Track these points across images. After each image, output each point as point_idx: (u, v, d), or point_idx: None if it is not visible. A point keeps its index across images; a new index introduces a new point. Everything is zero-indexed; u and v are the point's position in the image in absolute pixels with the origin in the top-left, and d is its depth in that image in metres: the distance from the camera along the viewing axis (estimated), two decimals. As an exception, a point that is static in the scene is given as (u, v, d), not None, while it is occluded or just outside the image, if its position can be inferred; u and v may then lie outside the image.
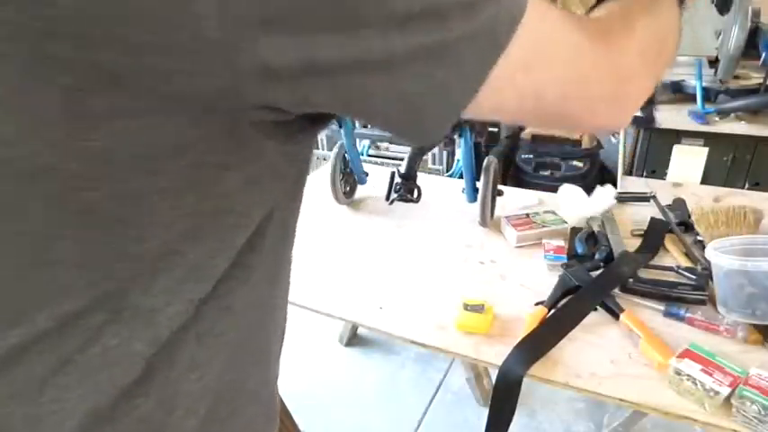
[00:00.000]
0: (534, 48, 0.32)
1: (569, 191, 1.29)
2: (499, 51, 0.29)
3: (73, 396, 0.31)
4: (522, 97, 0.33)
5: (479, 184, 1.19)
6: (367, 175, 1.39)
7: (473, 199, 1.26)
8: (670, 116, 2.01)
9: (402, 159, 2.10)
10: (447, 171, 2.51)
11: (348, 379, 1.96)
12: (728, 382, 0.73)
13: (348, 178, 1.36)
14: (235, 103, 0.27)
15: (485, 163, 1.16)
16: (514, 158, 2.60)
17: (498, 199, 1.24)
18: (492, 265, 1.11)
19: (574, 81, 0.35)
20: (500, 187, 1.23)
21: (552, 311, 0.93)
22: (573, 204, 1.25)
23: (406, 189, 1.07)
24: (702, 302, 0.92)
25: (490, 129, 1.28)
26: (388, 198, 1.08)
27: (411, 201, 1.09)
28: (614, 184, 2.30)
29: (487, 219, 1.21)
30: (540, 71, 0.33)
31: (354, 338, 2.13)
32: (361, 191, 1.42)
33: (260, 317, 0.41)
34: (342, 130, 1.28)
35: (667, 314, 0.91)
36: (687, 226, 1.16)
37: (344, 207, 1.37)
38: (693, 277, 0.98)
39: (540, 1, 0.32)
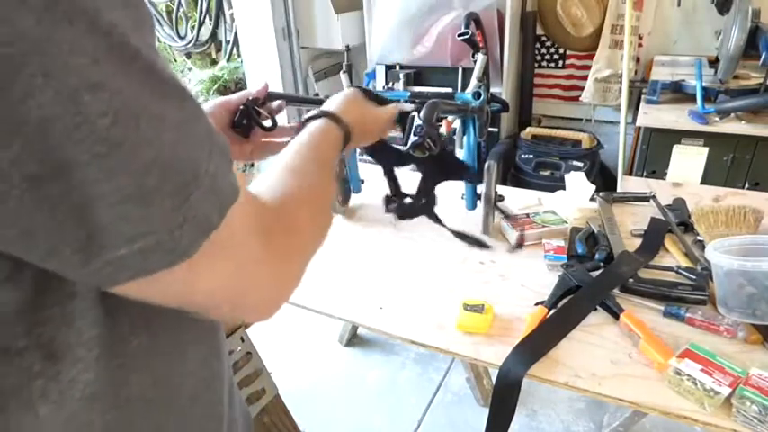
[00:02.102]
0: (207, 260, 0.32)
1: (575, 178, 1.31)
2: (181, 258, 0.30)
3: None
4: (170, 299, 0.34)
5: (480, 189, 1.18)
6: (363, 182, 1.39)
7: (473, 206, 1.25)
8: (670, 116, 2.01)
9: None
10: (447, 171, 2.50)
11: (348, 379, 1.96)
12: (728, 382, 0.73)
13: (341, 186, 1.35)
14: None
15: (486, 165, 1.15)
16: (514, 159, 2.60)
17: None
18: (492, 265, 1.11)
19: (234, 293, 0.35)
20: (500, 190, 1.22)
21: (552, 311, 0.93)
22: (578, 191, 1.26)
23: (426, 134, 0.88)
24: (702, 302, 0.92)
25: (490, 129, 1.27)
26: (406, 143, 0.92)
27: (429, 149, 0.90)
28: (614, 184, 2.31)
29: (490, 225, 1.20)
30: (201, 284, 0.33)
31: (354, 338, 2.13)
32: (361, 194, 1.42)
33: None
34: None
35: (667, 314, 0.91)
36: (687, 226, 1.16)
37: (344, 207, 1.37)
38: (693, 277, 0.98)
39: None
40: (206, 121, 0.33)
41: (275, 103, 0.75)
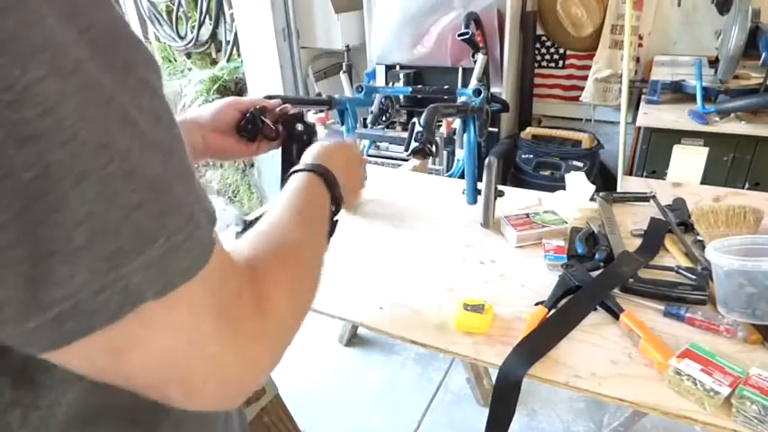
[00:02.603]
0: (147, 333, 0.29)
1: (575, 178, 1.31)
2: (98, 325, 0.27)
3: None
4: (100, 372, 0.30)
5: (480, 185, 1.19)
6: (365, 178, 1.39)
7: (473, 201, 1.26)
8: (670, 116, 2.01)
9: (403, 160, 2.10)
10: (447, 171, 2.51)
11: (348, 379, 1.96)
12: (728, 382, 0.73)
13: None
14: None
15: (486, 162, 1.16)
16: (514, 158, 2.60)
17: (498, 199, 1.24)
18: (492, 264, 1.11)
19: (181, 374, 0.31)
20: (500, 187, 1.23)
21: (552, 311, 0.93)
22: (578, 191, 1.26)
23: (426, 139, 0.98)
24: (702, 302, 0.92)
25: (490, 129, 1.27)
26: (407, 149, 1.00)
27: (429, 153, 1.01)
28: (614, 184, 2.31)
29: (490, 220, 1.21)
30: (135, 359, 0.29)
31: (354, 338, 2.13)
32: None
33: None
34: (343, 128, 1.28)
35: (667, 314, 0.91)
36: (687, 226, 1.16)
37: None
38: (693, 277, 0.98)
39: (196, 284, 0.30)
40: (192, 182, 0.30)
41: (278, 108, 0.75)
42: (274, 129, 0.74)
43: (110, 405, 0.36)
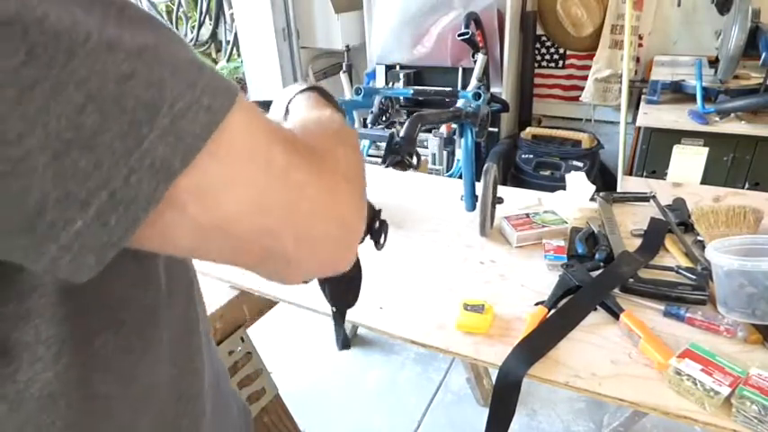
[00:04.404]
0: (225, 171, 0.29)
1: (575, 178, 1.31)
2: (175, 174, 0.27)
3: None
4: (203, 232, 0.30)
5: (479, 190, 1.18)
6: None
7: (472, 208, 1.25)
8: (670, 116, 2.01)
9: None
10: (447, 171, 2.51)
11: (348, 379, 1.96)
12: (728, 382, 0.73)
13: None
14: None
15: (484, 168, 1.14)
16: (514, 158, 2.60)
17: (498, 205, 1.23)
18: (492, 264, 1.11)
19: (284, 211, 0.31)
20: (500, 191, 1.21)
21: (552, 311, 0.93)
22: (578, 191, 1.27)
23: (405, 151, 0.94)
24: (702, 302, 0.92)
25: (490, 129, 1.27)
26: (384, 161, 0.95)
27: (410, 166, 0.96)
28: (614, 184, 2.31)
29: (487, 229, 1.19)
30: (227, 202, 0.29)
31: (354, 338, 2.13)
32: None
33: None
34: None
35: (667, 314, 0.91)
36: (687, 226, 1.16)
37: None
38: (693, 277, 0.98)
39: (249, 110, 0.30)
40: (190, 52, 0.29)
41: None
42: None
43: (86, 391, 0.35)
